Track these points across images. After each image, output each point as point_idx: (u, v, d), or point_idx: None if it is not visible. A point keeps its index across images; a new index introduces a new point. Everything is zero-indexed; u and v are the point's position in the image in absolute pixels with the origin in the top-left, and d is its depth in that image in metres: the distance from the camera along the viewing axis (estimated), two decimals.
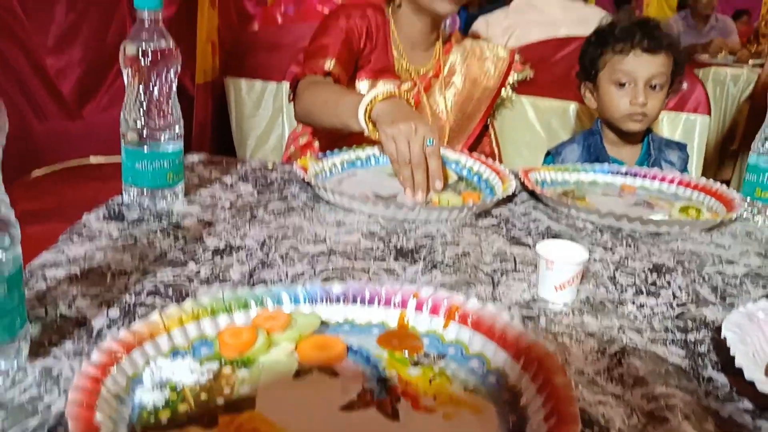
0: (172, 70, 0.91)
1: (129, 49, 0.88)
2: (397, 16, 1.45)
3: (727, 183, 2.64)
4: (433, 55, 1.51)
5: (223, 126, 2.01)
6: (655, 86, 1.36)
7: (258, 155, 1.96)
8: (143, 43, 0.88)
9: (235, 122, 2.00)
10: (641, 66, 1.35)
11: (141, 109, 0.90)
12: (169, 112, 0.92)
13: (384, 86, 1.15)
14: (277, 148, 1.98)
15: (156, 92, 0.90)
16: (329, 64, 1.35)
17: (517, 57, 1.65)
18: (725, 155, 3.63)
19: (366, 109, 1.08)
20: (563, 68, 1.74)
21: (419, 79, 1.49)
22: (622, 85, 1.37)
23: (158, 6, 0.88)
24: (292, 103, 1.39)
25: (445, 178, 1.12)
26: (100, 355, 0.50)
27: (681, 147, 1.46)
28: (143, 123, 0.90)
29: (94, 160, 1.18)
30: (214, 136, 1.94)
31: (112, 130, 1.38)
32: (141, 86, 0.90)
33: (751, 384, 0.53)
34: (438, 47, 1.52)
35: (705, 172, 1.70)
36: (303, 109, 1.32)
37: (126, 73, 0.90)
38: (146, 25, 0.89)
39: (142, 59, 0.88)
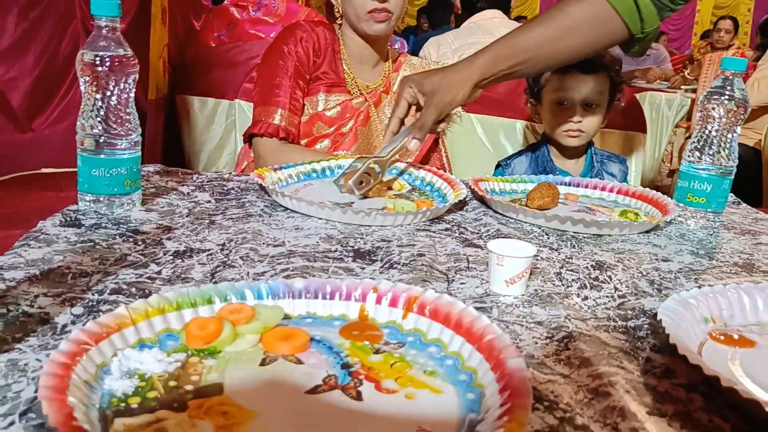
0: (130, 77, 0.92)
1: (86, 56, 0.89)
2: (343, 34, 1.51)
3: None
4: (382, 73, 1.56)
5: (174, 142, 2.01)
6: (591, 105, 1.44)
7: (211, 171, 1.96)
8: (101, 51, 0.89)
9: (187, 139, 2.01)
10: (577, 86, 1.43)
11: (98, 117, 0.91)
12: (127, 119, 0.93)
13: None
14: (229, 165, 1.99)
15: (114, 100, 0.91)
16: (281, 119, 1.41)
17: None
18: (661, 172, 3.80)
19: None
20: (509, 87, 1.82)
21: (369, 94, 1.53)
22: (560, 103, 1.45)
23: (116, 13, 0.90)
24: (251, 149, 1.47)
25: (399, 187, 1.16)
26: (69, 345, 0.51)
27: (621, 160, 1.55)
28: (101, 130, 0.91)
29: (45, 170, 1.17)
30: (165, 152, 1.94)
31: (63, 143, 1.37)
32: (98, 94, 0.91)
33: (685, 359, 0.57)
34: (388, 65, 1.57)
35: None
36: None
37: (83, 81, 0.91)
38: (104, 33, 0.90)
39: (100, 66, 0.89)
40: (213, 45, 2.12)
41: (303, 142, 1.48)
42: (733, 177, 1.11)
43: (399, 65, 1.60)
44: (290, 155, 1.37)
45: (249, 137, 1.46)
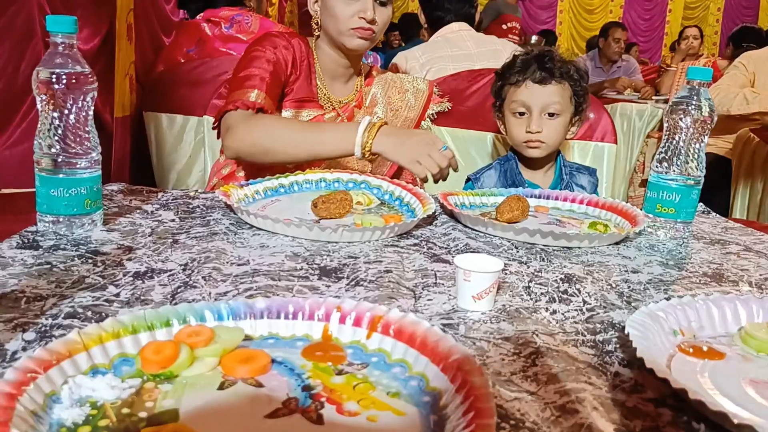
0: (88, 95, 0.90)
1: (42, 73, 0.87)
2: (318, 47, 1.49)
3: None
4: (354, 87, 1.55)
5: (143, 161, 1.98)
6: (552, 114, 1.44)
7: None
8: (57, 68, 0.87)
9: (155, 157, 1.98)
10: (534, 96, 1.43)
11: (56, 135, 0.89)
12: (86, 137, 0.91)
13: (367, 119, 1.26)
14: (199, 182, 1.96)
15: (72, 118, 0.89)
16: (256, 97, 1.34)
17: (435, 89, 1.71)
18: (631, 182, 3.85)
19: (364, 145, 1.23)
20: (478, 100, 1.82)
21: (341, 109, 1.52)
22: (520, 114, 1.45)
23: (72, 30, 0.88)
24: (219, 137, 1.39)
25: (368, 202, 1.15)
26: (14, 373, 0.49)
27: (591, 172, 1.55)
28: (59, 149, 0.89)
29: (5, 191, 1.14)
30: (133, 171, 1.91)
31: (23, 164, 1.34)
32: (56, 112, 0.89)
33: (653, 374, 0.57)
34: (360, 80, 1.56)
35: (613, 197, 1.79)
36: (243, 143, 1.30)
37: (39, 99, 0.89)
38: (60, 50, 0.88)
39: (56, 84, 0.87)
40: (181, 60, 2.10)
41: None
42: (701, 187, 1.11)
43: (371, 80, 1.59)
44: (264, 122, 1.30)
45: (218, 123, 1.38)
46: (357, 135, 1.23)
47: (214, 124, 1.40)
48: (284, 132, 1.29)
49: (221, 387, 0.55)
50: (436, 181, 1.28)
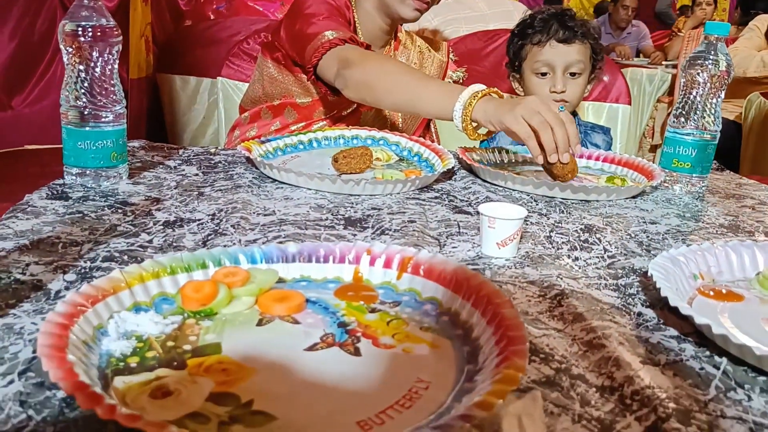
0: (114, 48, 0.91)
1: (68, 26, 0.88)
2: (360, 12, 1.44)
3: None
4: (384, 51, 1.53)
5: (157, 122, 1.99)
6: (574, 74, 1.44)
7: None
8: (83, 21, 0.88)
9: (169, 118, 1.99)
10: (558, 56, 1.43)
11: (82, 88, 0.90)
12: (112, 90, 0.92)
13: (473, 87, 1.08)
14: (213, 144, 1.97)
15: (98, 70, 0.90)
16: (335, 34, 1.25)
17: (452, 56, 1.70)
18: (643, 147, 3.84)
19: (465, 111, 1.05)
20: (494, 61, 1.82)
21: None
22: (542, 74, 1.45)
23: None
24: (311, 77, 1.30)
25: (387, 158, 1.16)
26: (65, 306, 0.51)
27: (605, 131, 1.55)
28: (85, 101, 0.90)
29: (29, 147, 1.16)
30: (149, 132, 1.92)
31: (45, 121, 1.35)
32: (82, 65, 0.90)
33: (676, 313, 0.58)
34: (391, 44, 1.54)
35: None
36: (365, 74, 1.19)
37: (66, 52, 0.90)
38: (85, 2, 0.88)
39: (82, 36, 0.88)
40: (211, 16, 2.10)
41: (301, 124, 1.42)
42: (717, 142, 1.12)
43: (398, 43, 1.56)
44: (376, 60, 1.21)
45: (314, 71, 1.28)
46: (458, 102, 1.06)
47: (312, 60, 1.26)
48: (393, 72, 1.19)
49: (260, 323, 0.57)
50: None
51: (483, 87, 1.07)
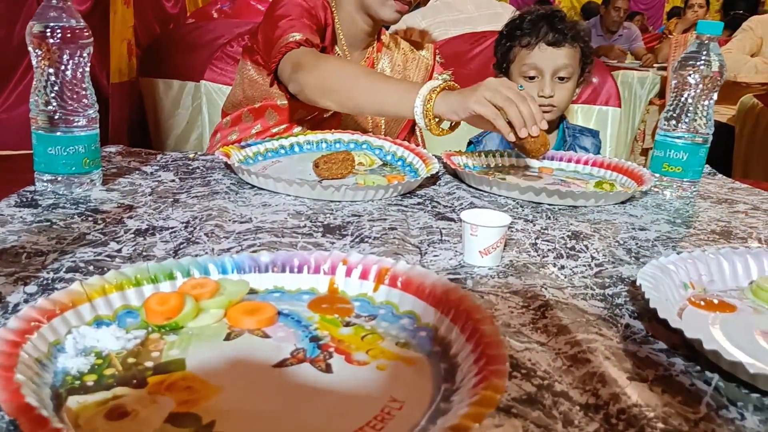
0: (84, 51, 0.88)
1: (36, 27, 0.85)
2: (341, 13, 1.42)
3: None
4: (366, 53, 1.50)
5: (140, 127, 1.95)
6: (562, 78, 1.41)
7: None
8: (51, 22, 0.85)
9: (152, 123, 1.96)
10: (547, 59, 1.40)
11: (52, 92, 0.87)
12: (84, 95, 0.89)
13: (431, 82, 1.06)
14: (197, 149, 1.94)
15: (69, 74, 0.87)
16: (300, 36, 1.23)
17: (438, 58, 1.67)
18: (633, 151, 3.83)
19: (426, 107, 1.04)
20: (480, 63, 1.80)
21: None
22: (530, 78, 1.42)
23: None
24: (273, 84, 1.30)
25: (370, 162, 1.13)
26: (17, 322, 0.48)
27: (594, 134, 1.53)
28: (55, 106, 0.87)
29: (2, 153, 1.13)
30: (130, 137, 1.89)
31: (23, 127, 1.32)
32: (51, 68, 0.87)
33: (665, 324, 0.56)
34: (373, 46, 1.51)
35: None
36: (318, 79, 1.17)
37: (34, 54, 0.86)
38: (53, 2, 0.85)
39: (51, 38, 0.85)
40: (214, 15, 2.07)
41: (282, 127, 1.39)
42: (709, 145, 1.10)
43: (381, 45, 1.54)
44: (332, 61, 1.21)
45: (275, 73, 1.27)
46: (417, 98, 1.04)
47: (272, 65, 1.26)
48: (351, 74, 1.17)
49: (227, 338, 0.54)
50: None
51: (440, 82, 1.06)
